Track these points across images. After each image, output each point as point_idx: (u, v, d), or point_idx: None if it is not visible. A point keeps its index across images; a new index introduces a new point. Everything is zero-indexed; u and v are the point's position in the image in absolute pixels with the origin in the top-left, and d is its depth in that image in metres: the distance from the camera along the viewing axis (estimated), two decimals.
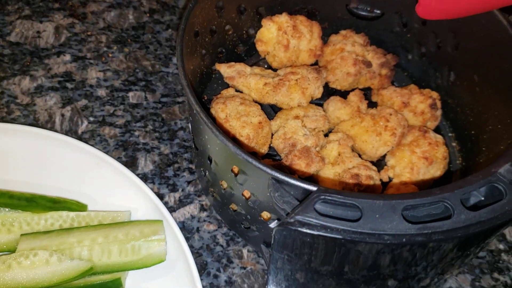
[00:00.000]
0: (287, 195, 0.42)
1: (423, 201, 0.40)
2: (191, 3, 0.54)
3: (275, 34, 0.68)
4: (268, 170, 0.42)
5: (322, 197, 0.39)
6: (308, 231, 0.37)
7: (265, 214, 0.52)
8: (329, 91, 0.70)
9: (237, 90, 0.66)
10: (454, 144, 0.69)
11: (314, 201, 0.39)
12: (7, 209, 0.57)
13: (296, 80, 0.64)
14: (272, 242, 0.41)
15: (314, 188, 0.41)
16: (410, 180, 0.60)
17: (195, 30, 0.58)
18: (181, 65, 0.48)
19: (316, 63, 0.72)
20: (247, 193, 0.51)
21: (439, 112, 0.67)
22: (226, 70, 0.65)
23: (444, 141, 0.64)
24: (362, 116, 0.64)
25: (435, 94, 0.67)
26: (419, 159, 0.61)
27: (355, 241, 0.38)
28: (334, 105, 0.65)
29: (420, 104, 0.66)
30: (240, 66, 0.65)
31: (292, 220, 0.38)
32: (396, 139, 0.62)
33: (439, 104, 0.67)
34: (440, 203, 0.40)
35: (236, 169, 0.49)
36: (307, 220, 0.38)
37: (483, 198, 0.42)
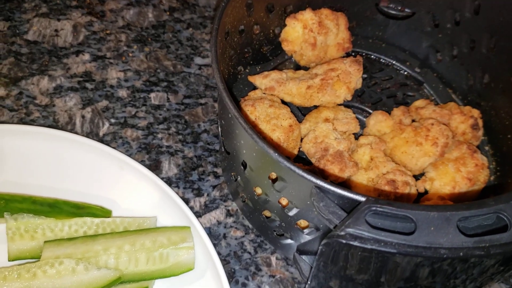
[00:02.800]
0: (332, 205, 0.40)
1: (478, 212, 0.38)
2: (223, 2, 0.52)
3: (301, 32, 0.66)
4: (313, 179, 0.40)
5: (374, 208, 0.37)
6: (360, 245, 0.35)
7: (302, 222, 0.50)
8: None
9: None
10: (487, 148, 0.67)
11: (365, 213, 0.37)
12: (30, 215, 0.55)
13: (338, 76, 0.62)
14: (318, 254, 0.39)
15: (363, 199, 0.39)
16: (448, 196, 0.58)
17: (226, 30, 0.56)
18: (217, 68, 0.46)
19: (349, 54, 0.70)
20: (284, 201, 0.49)
21: (480, 132, 0.64)
22: (262, 81, 0.62)
23: (488, 164, 0.60)
24: (403, 128, 0.61)
25: (476, 113, 0.64)
26: (462, 179, 0.58)
27: (410, 255, 0.36)
28: (375, 118, 0.63)
29: (461, 124, 0.63)
30: (275, 74, 0.62)
31: (342, 233, 0.36)
32: (438, 149, 0.58)
33: (480, 123, 0.64)
34: (494, 214, 0.39)
35: (273, 176, 0.47)
36: (359, 233, 0.36)
37: None
